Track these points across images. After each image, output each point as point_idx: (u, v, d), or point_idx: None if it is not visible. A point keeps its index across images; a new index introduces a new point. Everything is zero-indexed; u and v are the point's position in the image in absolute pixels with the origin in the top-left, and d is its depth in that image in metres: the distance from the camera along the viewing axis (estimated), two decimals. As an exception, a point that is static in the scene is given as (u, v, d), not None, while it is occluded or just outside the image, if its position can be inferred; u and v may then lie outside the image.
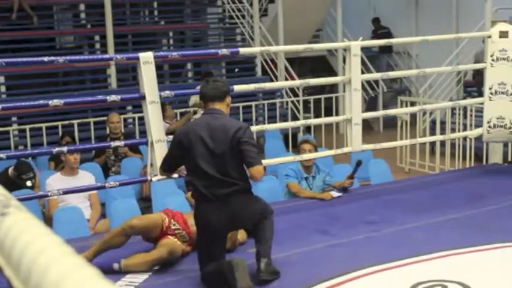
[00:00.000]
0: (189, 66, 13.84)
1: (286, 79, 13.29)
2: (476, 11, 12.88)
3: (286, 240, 5.35)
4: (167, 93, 6.13)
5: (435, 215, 6.19)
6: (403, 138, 10.58)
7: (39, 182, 7.64)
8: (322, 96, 12.45)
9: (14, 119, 10.95)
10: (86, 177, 7.11)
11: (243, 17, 14.37)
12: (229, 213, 4.55)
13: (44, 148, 9.02)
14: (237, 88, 6.61)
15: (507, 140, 8.02)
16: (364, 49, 10.20)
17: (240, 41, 14.62)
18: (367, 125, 11.83)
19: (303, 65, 16.47)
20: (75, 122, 10.05)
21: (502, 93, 7.64)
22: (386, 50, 16.33)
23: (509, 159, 9.12)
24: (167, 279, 4.80)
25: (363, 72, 7.87)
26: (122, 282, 4.72)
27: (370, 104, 14.83)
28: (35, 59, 6.39)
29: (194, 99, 10.20)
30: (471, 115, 10.19)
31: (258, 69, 13.64)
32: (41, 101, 5.99)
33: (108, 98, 5.98)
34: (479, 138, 8.15)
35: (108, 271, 4.65)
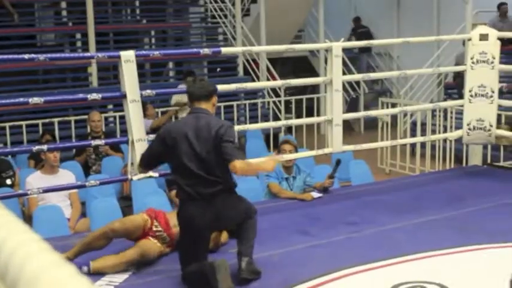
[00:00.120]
0: (170, 65, 13.81)
1: (268, 79, 13.30)
2: (457, 13, 12.96)
3: (267, 240, 5.35)
4: (148, 92, 6.11)
5: (415, 216, 6.21)
6: (383, 139, 10.61)
7: (19, 180, 7.59)
8: (304, 97, 12.47)
9: (-6, 116, 10.87)
10: (66, 175, 7.07)
11: (225, 16, 14.36)
12: (214, 212, 4.54)
13: (24, 146, 8.95)
14: (219, 88, 6.56)
15: (486, 142, 8.07)
16: (345, 50, 10.22)
17: (222, 40, 14.60)
18: (348, 126, 11.87)
19: (284, 65, 16.49)
20: (56, 120, 9.98)
21: (482, 95, 7.69)
22: (366, 49, 16.37)
23: (489, 161, 9.18)
24: (147, 278, 4.79)
25: (344, 73, 7.89)
26: (102, 281, 4.70)
27: (351, 105, 14.87)
28: (15, 56, 6.33)
29: (175, 98, 10.19)
30: (451, 117, 10.25)
31: (240, 69, 13.63)
32: (21, 99, 5.95)
33: (89, 96, 5.96)
34: (459, 140, 8.20)
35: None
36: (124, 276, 4.79)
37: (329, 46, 6.98)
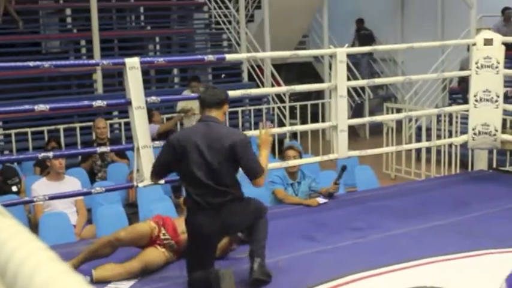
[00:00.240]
0: (175, 71, 13.83)
1: (273, 85, 13.30)
2: (462, 18, 12.97)
3: (273, 246, 5.33)
4: (153, 98, 6.11)
5: (421, 221, 6.21)
6: (389, 144, 10.61)
7: (25, 187, 7.61)
8: (309, 103, 12.48)
9: (-1, 123, 10.91)
10: (71, 182, 7.08)
11: (230, 22, 14.37)
12: (222, 221, 4.55)
13: (30, 153, 8.97)
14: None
15: (492, 146, 8.06)
16: (349, 55, 10.22)
17: (226, 46, 14.62)
18: (353, 131, 11.86)
19: (289, 71, 16.50)
20: (61, 127, 10.00)
21: (487, 100, 7.69)
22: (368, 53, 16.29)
23: (494, 165, 9.17)
24: (153, 285, 4.79)
25: (349, 79, 7.89)
26: (107, 288, 4.71)
27: (356, 111, 14.87)
28: (21, 63, 6.36)
29: (181, 104, 10.20)
30: (456, 122, 10.24)
31: (245, 75, 13.64)
32: (27, 106, 5.95)
33: (94, 103, 5.97)
34: (464, 145, 8.19)
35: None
36: (129, 283, 4.79)
37: (333, 52, 6.98)
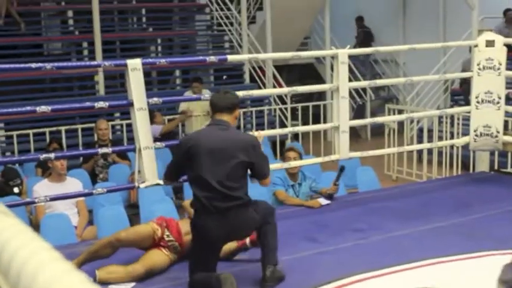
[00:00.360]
0: (177, 73, 13.84)
1: (274, 86, 13.31)
2: (463, 19, 12.97)
3: (275, 247, 5.35)
4: (155, 100, 6.12)
5: (422, 222, 6.21)
6: (390, 146, 10.62)
7: (26, 188, 7.61)
8: (310, 104, 12.48)
9: (1, 125, 10.91)
10: (73, 183, 7.08)
11: (231, 24, 14.39)
12: (229, 225, 4.55)
13: (31, 154, 8.98)
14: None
15: (493, 148, 8.06)
16: (351, 57, 10.22)
17: (228, 48, 14.63)
18: (354, 132, 11.87)
19: (291, 73, 16.50)
20: (63, 128, 10.01)
21: (489, 101, 7.69)
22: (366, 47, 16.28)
23: (496, 167, 9.16)
24: (153, 286, 4.80)
25: (350, 80, 7.89)
26: (109, 290, 4.71)
27: (357, 112, 14.87)
28: (23, 65, 6.36)
29: (183, 105, 10.23)
30: (458, 123, 10.25)
31: (246, 77, 13.66)
32: (29, 108, 5.96)
33: (95, 104, 5.97)
34: (466, 147, 8.18)
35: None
36: (131, 283, 4.80)
37: (335, 53, 6.99)
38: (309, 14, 15.02)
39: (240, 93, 6.90)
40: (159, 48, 14.27)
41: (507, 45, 7.82)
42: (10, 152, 10.16)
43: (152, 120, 8.52)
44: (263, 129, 11.12)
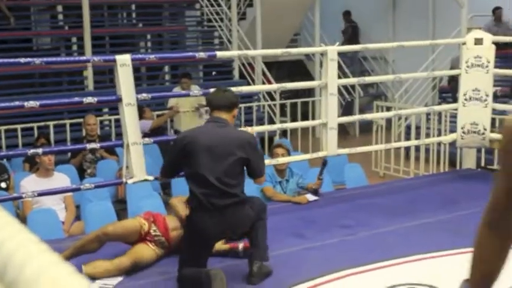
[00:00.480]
0: (166, 68, 13.83)
1: (264, 83, 13.33)
2: (453, 17, 13.01)
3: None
4: (144, 95, 6.12)
5: (409, 219, 6.25)
6: (378, 142, 10.66)
7: (14, 183, 7.60)
8: (299, 101, 12.50)
9: (-11, 120, 10.88)
10: (61, 179, 7.07)
11: (221, 20, 14.39)
12: (226, 223, 4.58)
13: (19, 150, 8.95)
14: (214, 91, 6.61)
15: (480, 145, 8.11)
16: (339, 53, 10.24)
17: (218, 44, 14.63)
18: (343, 129, 11.90)
19: (280, 69, 16.52)
20: (51, 123, 9.98)
21: (476, 99, 7.73)
22: (353, 43, 16.33)
23: (483, 164, 9.21)
24: (140, 281, 4.81)
25: (339, 77, 7.92)
26: (96, 284, 4.72)
27: (346, 109, 14.90)
28: (12, 60, 6.34)
29: (172, 101, 10.24)
30: (446, 121, 10.29)
31: (236, 73, 13.66)
32: (17, 103, 5.96)
33: (84, 99, 5.97)
34: (453, 144, 8.23)
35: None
36: (118, 278, 4.81)
37: (324, 50, 7.01)
38: (299, 10, 15.04)
39: (229, 90, 6.93)
40: (149, 44, 14.26)
41: (496, 43, 7.86)
42: (-2, 146, 10.13)
43: (141, 116, 8.55)
44: (251, 125, 11.14)
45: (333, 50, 6.97)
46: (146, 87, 12.51)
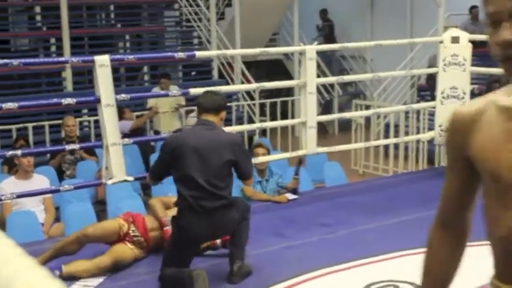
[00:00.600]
0: (145, 69, 13.80)
1: (243, 82, 13.34)
2: (430, 16, 13.10)
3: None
4: (123, 96, 6.12)
5: (389, 216, 6.29)
6: (357, 141, 10.71)
7: (-7, 185, 7.55)
8: (278, 100, 12.53)
9: (-33, 122, 10.80)
10: (40, 180, 7.04)
11: (200, 20, 14.38)
12: (215, 226, 4.61)
13: (-2, 151, 8.90)
14: (194, 91, 6.64)
15: (459, 143, 8.15)
16: (319, 53, 10.27)
17: (197, 44, 14.60)
18: (322, 128, 11.93)
19: (259, 69, 16.53)
20: (30, 125, 9.93)
21: (454, 97, 7.80)
22: (329, 41, 16.39)
23: (461, 161, 9.26)
24: (121, 282, 4.81)
25: (318, 76, 7.95)
26: (76, 286, 4.71)
27: (325, 107, 14.95)
28: (-11, 61, 6.32)
29: (151, 102, 10.22)
30: (424, 119, 10.36)
31: (215, 73, 13.66)
32: (-5, 104, 5.92)
33: (63, 101, 5.96)
34: (431, 141, 8.29)
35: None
36: (99, 279, 4.81)
37: (303, 49, 7.04)
38: (278, 10, 15.06)
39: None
40: (128, 44, 14.21)
41: (472, 42, 7.93)
42: (-24, 149, 10.06)
43: (121, 117, 8.54)
44: (231, 125, 11.16)
45: (312, 49, 7.00)
46: (125, 88, 12.47)
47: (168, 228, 5.16)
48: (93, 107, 7.90)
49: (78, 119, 9.91)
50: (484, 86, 11.72)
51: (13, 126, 9.86)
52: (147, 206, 6.41)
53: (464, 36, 7.85)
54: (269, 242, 5.59)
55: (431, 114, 9.30)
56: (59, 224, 6.89)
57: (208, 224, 4.56)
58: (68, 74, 11.88)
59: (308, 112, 7.02)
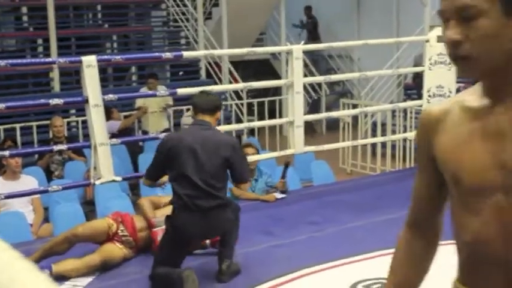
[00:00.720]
0: (133, 69, 13.79)
1: (231, 82, 13.36)
2: (416, 15, 13.15)
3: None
4: (110, 96, 6.13)
5: (376, 214, 6.33)
6: (345, 140, 10.74)
7: (-19, 186, 7.53)
8: (266, 99, 12.55)
9: (-46, 123, 10.76)
10: (28, 181, 7.04)
11: (187, 20, 14.38)
12: (210, 226, 4.63)
13: (-15, 152, 8.87)
14: (181, 91, 6.66)
15: (445, 141, 8.20)
16: (307, 53, 10.32)
17: (184, 44, 14.61)
18: (310, 127, 11.98)
19: (246, 69, 16.53)
20: (18, 125, 9.91)
21: (440, 96, 7.84)
22: (313, 36, 16.45)
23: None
24: (111, 281, 4.83)
25: (305, 75, 7.99)
26: (65, 286, 4.72)
27: (312, 107, 14.99)
28: (-24, 62, 6.30)
29: (139, 102, 10.22)
30: (411, 117, 10.41)
31: (203, 72, 13.67)
32: (-18, 105, 5.92)
33: (50, 101, 5.97)
34: (418, 140, 8.31)
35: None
36: (88, 279, 4.82)
37: (290, 49, 7.07)
38: (265, 10, 15.08)
39: (196, 89, 6.95)
40: (115, 45, 14.20)
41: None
42: (-36, 150, 10.02)
43: (109, 117, 8.54)
44: (219, 124, 11.16)
45: (298, 49, 7.03)
46: (113, 88, 12.46)
47: (157, 230, 5.18)
48: (81, 107, 7.90)
49: (66, 120, 9.90)
50: (469, 84, 11.81)
51: (0, 127, 9.84)
52: (135, 205, 6.42)
53: (450, 35, 7.88)
54: (258, 241, 5.61)
55: (418, 113, 9.34)
56: (48, 225, 6.89)
57: (204, 224, 4.59)
58: (55, 75, 11.86)
59: (295, 111, 7.05)
